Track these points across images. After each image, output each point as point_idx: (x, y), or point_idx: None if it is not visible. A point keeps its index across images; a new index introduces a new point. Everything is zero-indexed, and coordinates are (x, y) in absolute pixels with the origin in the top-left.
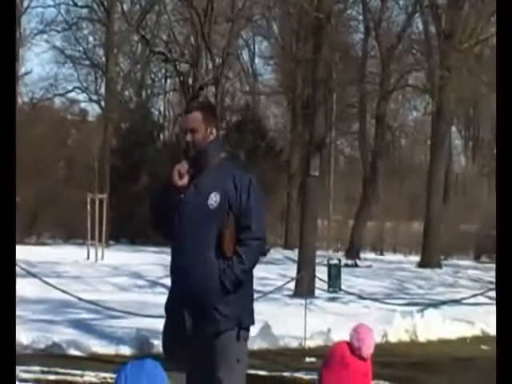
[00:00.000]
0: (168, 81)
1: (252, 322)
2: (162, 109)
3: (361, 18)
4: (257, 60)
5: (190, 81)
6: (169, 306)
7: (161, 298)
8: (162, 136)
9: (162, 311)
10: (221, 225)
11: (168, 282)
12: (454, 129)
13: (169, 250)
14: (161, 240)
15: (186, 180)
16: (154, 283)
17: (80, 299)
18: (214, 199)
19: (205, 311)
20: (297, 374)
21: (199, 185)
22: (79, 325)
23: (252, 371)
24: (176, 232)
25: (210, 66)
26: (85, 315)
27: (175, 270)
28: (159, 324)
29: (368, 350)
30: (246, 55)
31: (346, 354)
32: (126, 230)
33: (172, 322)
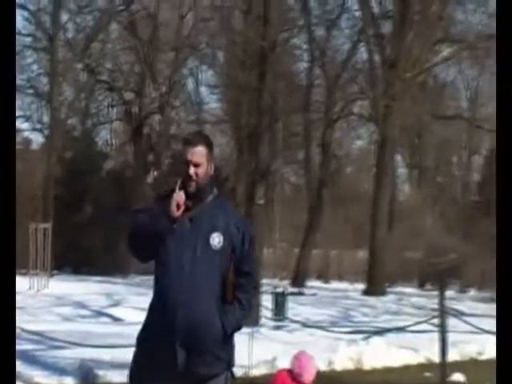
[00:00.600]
0: (113, 109)
1: (234, 363)
2: (106, 137)
3: (306, 46)
4: (202, 88)
5: (135, 109)
6: (150, 340)
7: (105, 327)
8: (106, 165)
9: (107, 341)
10: (225, 268)
11: (113, 311)
12: (398, 157)
13: (113, 280)
14: (105, 269)
15: (181, 211)
16: (97, 313)
17: (23, 330)
18: (217, 240)
19: (201, 353)
20: None
21: (195, 220)
22: (22, 356)
23: None
24: (169, 265)
25: (155, 94)
26: (28, 346)
27: (167, 304)
28: (103, 354)
29: (309, 377)
30: (191, 84)
31: (287, 381)
32: (69, 260)
33: (151, 356)
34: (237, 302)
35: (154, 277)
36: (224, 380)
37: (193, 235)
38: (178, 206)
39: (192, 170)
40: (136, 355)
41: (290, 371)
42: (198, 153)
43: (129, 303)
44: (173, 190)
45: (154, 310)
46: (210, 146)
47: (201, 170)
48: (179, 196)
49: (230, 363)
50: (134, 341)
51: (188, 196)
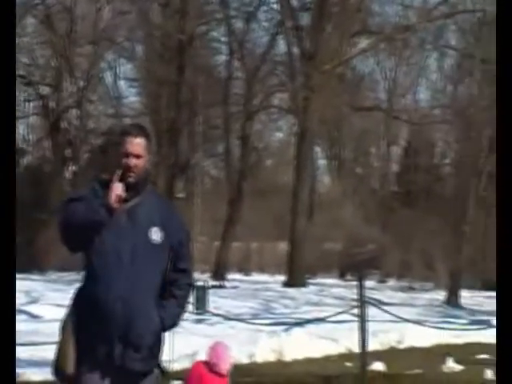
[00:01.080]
0: (30, 104)
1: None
2: (23, 133)
3: (224, 39)
4: (121, 82)
5: (52, 104)
6: (80, 326)
7: (23, 325)
8: (24, 160)
9: (25, 339)
10: (164, 264)
11: (31, 308)
12: (317, 149)
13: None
14: (23, 266)
15: (120, 203)
16: (16, 311)
17: None
18: (156, 235)
19: (138, 348)
20: None
21: (132, 212)
22: None
23: None
24: (106, 257)
25: (73, 88)
26: None
27: (104, 295)
28: (21, 352)
29: (225, 366)
30: (109, 77)
31: (203, 372)
32: None
33: (86, 347)
34: (173, 299)
35: (85, 264)
36: (155, 377)
37: (131, 228)
38: (118, 198)
39: (132, 162)
40: (65, 339)
41: (206, 362)
42: (139, 144)
43: (47, 300)
44: (110, 181)
45: (86, 298)
46: (149, 137)
47: (141, 162)
48: (118, 187)
49: (160, 360)
50: (52, 338)
51: (126, 187)
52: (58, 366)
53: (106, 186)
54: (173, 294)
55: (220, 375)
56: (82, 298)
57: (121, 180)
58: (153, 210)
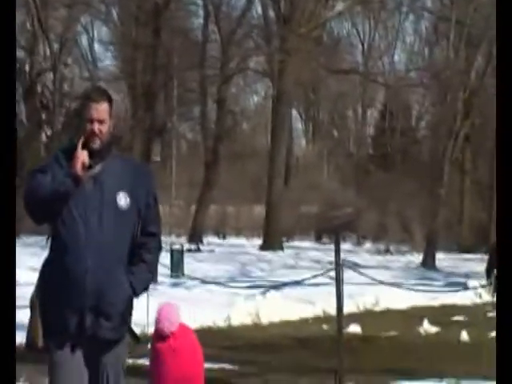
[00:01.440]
0: None
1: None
2: None
3: (200, 2)
4: (96, 46)
5: (27, 68)
6: (50, 300)
7: None
8: None
9: None
10: (133, 229)
11: None
12: (294, 112)
13: None
14: None
15: (84, 171)
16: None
17: None
18: (123, 200)
19: (110, 317)
20: (140, 361)
21: (98, 179)
22: None
23: None
24: (74, 225)
25: (48, 52)
26: None
27: (73, 264)
28: None
29: (169, 327)
30: (84, 41)
31: (153, 339)
32: None
33: (53, 317)
34: (143, 263)
35: (52, 235)
36: (126, 344)
37: (97, 195)
38: (83, 165)
39: (96, 127)
40: (41, 311)
41: (155, 330)
42: (102, 109)
43: (22, 264)
44: (74, 149)
45: (54, 270)
46: (111, 102)
47: (104, 127)
48: (83, 154)
49: (130, 325)
50: (26, 302)
51: (90, 154)
52: (28, 340)
53: (70, 154)
54: (142, 258)
55: (164, 338)
56: (51, 271)
57: (84, 147)
58: (119, 174)
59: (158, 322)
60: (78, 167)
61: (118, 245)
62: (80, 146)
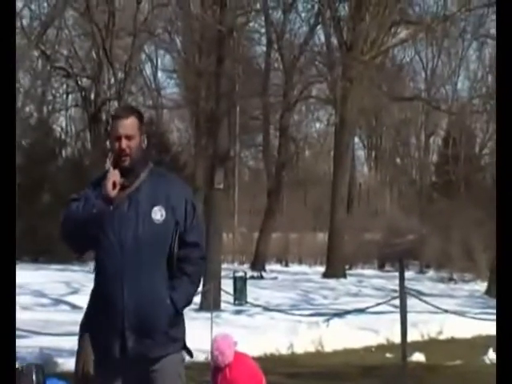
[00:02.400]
0: (69, 96)
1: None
2: (63, 125)
3: (263, 30)
4: (160, 74)
5: (92, 96)
6: (94, 327)
7: (64, 315)
8: (64, 152)
9: (66, 329)
10: (171, 242)
11: (72, 299)
12: (356, 139)
13: (72, 268)
14: (64, 257)
15: (117, 190)
16: (57, 301)
17: None
18: (159, 214)
19: (152, 334)
20: None
21: (134, 197)
22: None
23: None
24: (111, 248)
25: (112, 80)
26: None
27: (112, 288)
28: (63, 342)
29: (224, 359)
30: (148, 69)
31: (211, 368)
32: (27, 249)
33: (99, 344)
34: (185, 276)
35: (95, 264)
36: (179, 360)
37: (132, 214)
38: (114, 185)
39: (124, 144)
40: (82, 343)
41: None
42: (129, 125)
43: (88, 291)
44: (106, 172)
45: (97, 297)
46: (140, 117)
47: (133, 143)
48: (113, 174)
49: (184, 342)
50: None
51: (123, 173)
52: (78, 368)
53: (104, 178)
54: (184, 271)
55: (220, 369)
56: (94, 295)
57: (116, 166)
58: (153, 189)
59: (212, 355)
60: (109, 187)
61: (155, 261)
62: (110, 165)
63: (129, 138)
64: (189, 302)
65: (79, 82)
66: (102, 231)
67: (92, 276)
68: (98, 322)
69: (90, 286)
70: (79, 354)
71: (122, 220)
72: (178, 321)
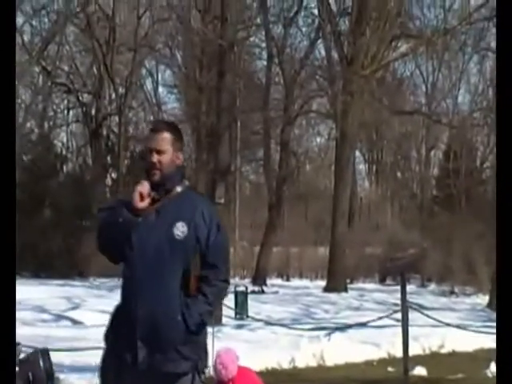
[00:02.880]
0: (70, 112)
1: (207, 365)
2: (64, 140)
3: (264, 44)
4: (160, 89)
5: (93, 111)
6: (113, 337)
7: (65, 331)
8: (65, 168)
9: (67, 345)
10: (189, 259)
11: (72, 314)
12: (357, 153)
13: (73, 283)
14: (65, 272)
15: (146, 203)
16: (58, 316)
17: None
18: (181, 229)
19: (163, 349)
20: None
21: (162, 211)
22: None
23: None
24: (133, 258)
25: (113, 95)
26: None
27: (129, 298)
28: (64, 358)
29: (227, 374)
30: (149, 84)
31: (215, 379)
32: (28, 264)
33: (115, 354)
34: (201, 295)
35: (122, 275)
36: (190, 381)
37: (158, 226)
38: (142, 197)
39: (155, 158)
40: (103, 353)
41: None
42: (161, 139)
43: (89, 306)
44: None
45: (118, 307)
46: (175, 133)
47: (165, 158)
48: (142, 186)
49: (197, 363)
50: (94, 343)
51: (153, 187)
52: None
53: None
54: (202, 290)
55: (224, 382)
56: (115, 308)
57: (148, 179)
58: (181, 206)
59: (215, 369)
60: (136, 198)
61: (172, 276)
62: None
63: (160, 152)
64: (202, 322)
65: (80, 98)
66: (128, 242)
67: (93, 291)
68: (115, 332)
69: (91, 301)
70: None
71: (147, 232)
72: (191, 339)
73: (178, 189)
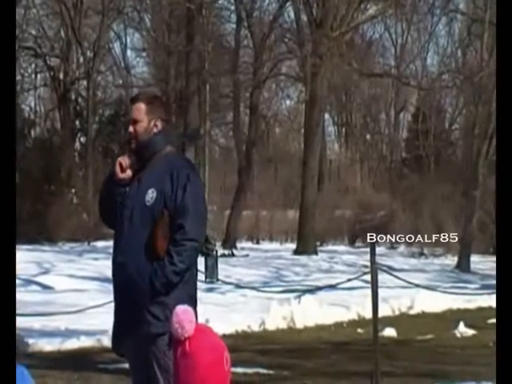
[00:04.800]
0: (38, 76)
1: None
2: (32, 105)
3: (233, 7)
4: (129, 53)
5: (61, 75)
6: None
7: (35, 296)
8: (33, 132)
9: (37, 309)
10: (153, 223)
11: (42, 279)
12: (327, 116)
13: (42, 248)
14: (34, 237)
15: (128, 173)
16: (27, 281)
17: None
18: (150, 195)
19: (137, 311)
20: None
21: (142, 180)
22: None
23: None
24: (117, 227)
25: (81, 59)
26: None
27: (113, 265)
28: (33, 323)
29: (183, 332)
30: (117, 48)
31: (171, 342)
32: None
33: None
34: (167, 256)
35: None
36: (165, 340)
37: (135, 194)
38: (122, 168)
39: (131, 127)
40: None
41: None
42: (136, 109)
43: (58, 271)
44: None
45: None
46: (151, 102)
47: (139, 127)
48: (122, 158)
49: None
50: (64, 308)
51: (135, 157)
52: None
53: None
54: (168, 251)
55: (180, 341)
56: None
57: (129, 149)
58: (157, 173)
59: (171, 327)
60: (116, 169)
61: (141, 240)
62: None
63: (135, 122)
64: (168, 283)
65: (48, 62)
66: (114, 211)
67: (62, 256)
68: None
69: (60, 266)
70: None
71: (127, 199)
72: (160, 300)
73: (158, 156)
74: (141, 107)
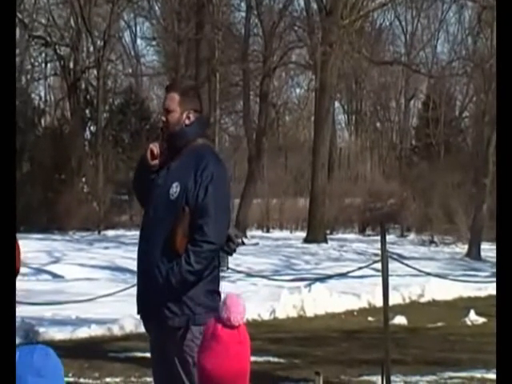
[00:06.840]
0: (48, 65)
1: (206, 319)
2: (42, 94)
3: None
4: (139, 41)
5: (71, 64)
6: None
7: (45, 285)
8: (43, 121)
9: (47, 298)
10: (174, 220)
11: (53, 268)
12: (337, 104)
13: (53, 237)
14: (45, 226)
15: (157, 161)
16: (38, 270)
17: None
18: (174, 189)
19: (155, 304)
20: None
21: (171, 169)
22: None
23: (141, 354)
24: (145, 211)
25: (91, 48)
26: None
27: (138, 252)
28: (44, 312)
29: (237, 318)
30: (127, 37)
31: (217, 327)
32: None
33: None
34: (184, 256)
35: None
36: (181, 335)
37: (163, 185)
38: (153, 155)
39: (164, 117)
40: None
41: (219, 318)
42: (169, 99)
43: (69, 260)
44: None
45: None
46: (185, 92)
47: (172, 117)
48: (153, 144)
49: (190, 319)
50: (74, 297)
51: (168, 146)
52: None
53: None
54: (186, 249)
55: (232, 328)
56: None
57: (162, 138)
58: (184, 165)
59: (228, 311)
60: (147, 156)
61: (163, 234)
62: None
63: (168, 111)
64: (183, 281)
65: (58, 51)
66: (145, 197)
67: (73, 245)
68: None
69: (71, 254)
70: None
71: (154, 190)
72: (176, 296)
73: (189, 147)
74: (174, 97)
